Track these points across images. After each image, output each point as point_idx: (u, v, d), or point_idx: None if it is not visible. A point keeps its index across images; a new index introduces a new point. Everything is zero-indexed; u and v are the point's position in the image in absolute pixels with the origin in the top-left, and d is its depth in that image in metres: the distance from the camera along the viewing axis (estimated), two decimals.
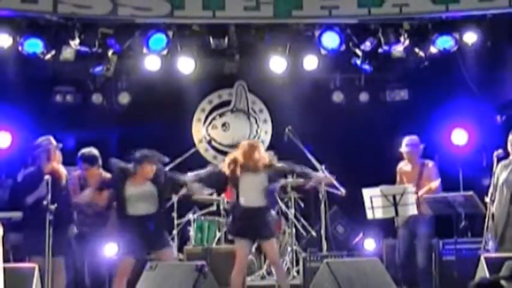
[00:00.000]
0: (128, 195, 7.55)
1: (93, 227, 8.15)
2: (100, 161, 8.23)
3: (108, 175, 8.38)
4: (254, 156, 7.61)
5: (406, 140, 8.57)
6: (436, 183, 8.29)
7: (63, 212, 7.48)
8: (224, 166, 7.74)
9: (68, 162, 8.66)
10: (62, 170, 7.74)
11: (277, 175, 7.79)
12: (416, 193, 8.10)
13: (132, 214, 7.53)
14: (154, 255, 7.65)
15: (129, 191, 7.56)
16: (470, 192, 7.86)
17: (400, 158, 8.68)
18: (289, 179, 9.47)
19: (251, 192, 7.58)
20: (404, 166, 8.62)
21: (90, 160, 8.21)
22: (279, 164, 7.80)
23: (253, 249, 8.93)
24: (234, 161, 7.66)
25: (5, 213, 8.05)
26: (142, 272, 7.28)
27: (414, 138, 8.58)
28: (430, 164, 8.51)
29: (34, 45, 8.61)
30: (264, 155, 7.76)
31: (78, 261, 8.10)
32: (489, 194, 7.79)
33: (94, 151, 8.25)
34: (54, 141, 7.78)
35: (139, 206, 7.54)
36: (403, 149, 8.54)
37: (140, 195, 7.55)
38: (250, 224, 7.56)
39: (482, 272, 6.83)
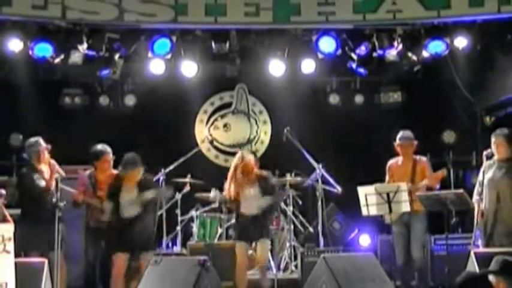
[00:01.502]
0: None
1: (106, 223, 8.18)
2: (107, 156, 8.20)
3: (115, 172, 8.38)
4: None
5: (400, 133, 8.30)
6: (443, 171, 8.11)
7: (55, 210, 7.47)
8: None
9: (75, 161, 8.70)
10: (49, 171, 7.75)
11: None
12: (410, 191, 8.01)
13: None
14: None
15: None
16: (461, 190, 7.85)
17: (395, 155, 8.56)
18: (288, 177, 9.50)
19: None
20: (395, 163, 8.32)
21: (94, 155, 8.22)
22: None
23: (253, 245, 8.91)
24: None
25: (10, 210, 8.07)
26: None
27: (408, 132, 8.31)
28: (423, 159, 8.28)
29: (44, 50, 8.60)
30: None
31: (91, 255, 8.12)
32: (478, 192, 7.80)
33: (99, 147, 8.24)
34: (43, 143, 7.78)
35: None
36: (398, 142, 8.25)
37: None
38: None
39: (472, 266, 6.83)
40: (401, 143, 8.25)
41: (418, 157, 8.29)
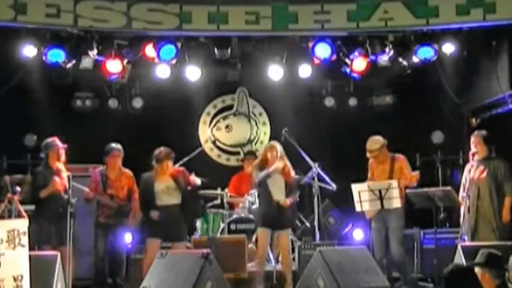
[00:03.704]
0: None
1: (117, 219, 8.19)
2: (115, 152, 8.24)
3: (126, 171, 8.41)
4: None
5: (367, 145, 8.14)
6: (416, 173, 7.98)
7: (67, 207, 7.48)
8: None
9: (86, 160, 8.71)
10: (64, 170, 7.76)
11: None
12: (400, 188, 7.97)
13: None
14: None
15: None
16: (448, 188, 7.89)
17: None
18: None
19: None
20: (374, 161, 8.24)
21: (105, 151, 8.30)
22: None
23: (253, 239, 8.93)
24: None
25: (25, 206, 8.06)
26: None
27: (373, 140, 8.16)
28: (401, 157, 8.17)
29: (56, 55, 8.60)
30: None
31: (101, 249, 8.14)
32: (465, 189, 7.80)
33: (111, 144, 8.33)
34: (59, 143, 7.81)
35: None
36: (368, 154, 8.15)
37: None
38: None
39: (459, 259, 6.85)
40: (370, 155, 8.14)
41: (396, 155, 8.20)
